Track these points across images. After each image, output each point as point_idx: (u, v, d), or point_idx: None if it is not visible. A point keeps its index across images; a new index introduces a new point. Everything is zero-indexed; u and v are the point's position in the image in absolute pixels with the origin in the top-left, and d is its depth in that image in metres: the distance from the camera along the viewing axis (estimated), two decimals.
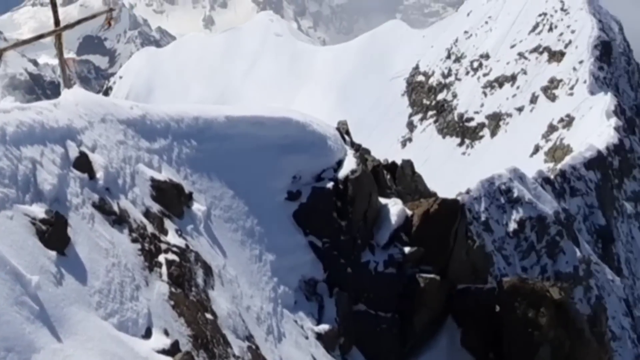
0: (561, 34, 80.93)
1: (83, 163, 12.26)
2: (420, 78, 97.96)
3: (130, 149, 14.13)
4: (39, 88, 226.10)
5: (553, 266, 46.17)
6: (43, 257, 9.73)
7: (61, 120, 12.79)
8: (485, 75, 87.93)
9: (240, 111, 17.19)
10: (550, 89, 77.71)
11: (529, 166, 57.84)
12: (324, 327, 14.75)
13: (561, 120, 71.25)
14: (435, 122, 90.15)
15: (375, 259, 15.86)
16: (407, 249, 15.92)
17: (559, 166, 57.45)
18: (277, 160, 16.31)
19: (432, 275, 15.84)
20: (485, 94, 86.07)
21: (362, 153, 17.56)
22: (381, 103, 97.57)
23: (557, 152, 66.07)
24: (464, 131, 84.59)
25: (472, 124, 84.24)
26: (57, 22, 16.68)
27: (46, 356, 8.27)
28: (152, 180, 13.73)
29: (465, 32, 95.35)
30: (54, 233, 10.22)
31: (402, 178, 20.48)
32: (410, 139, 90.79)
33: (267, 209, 15.72)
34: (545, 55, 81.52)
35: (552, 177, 55.16)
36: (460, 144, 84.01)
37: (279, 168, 16.28)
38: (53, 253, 9.94)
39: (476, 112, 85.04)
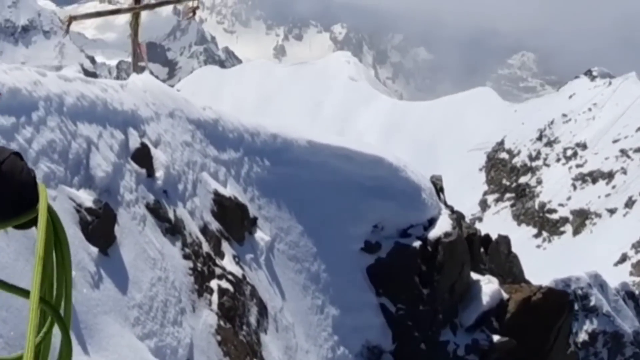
0: None
1: (143, 156, 11.59)
2: (504, 155, 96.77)
3: (196, 154, 13.47)
4: None
5: None
6: (83, 252, 8.88)
7: (126, 104, 12.19)
8: (578, 166, 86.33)
9: (324, 139, 16.41)
10: None
11: (612, 275, 55.96)
12: None
13: None
14: (512, 206, 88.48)
15: (457, 340, 14.70)
16: (496, 337, 14.73)
17: None
18: (360, 202, 15.41)
19: None
20: (574, 186, 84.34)
21: (458, 216, 16.48)
22: (457, 174, 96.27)
23: None
24: (543, 222, 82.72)
25: (554, 216, 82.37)
26: None
27: None
28: (216, 193, 13.00)
29: (564, 115, 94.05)
30: (99, 227, 9.40)
31: (496, 255, 19.25)
32: (480, 219, 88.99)
33: (339, 255, 14.80)
34: None
35: (637, 292, 53.36)
36: (537, 236, 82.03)
37: (360, 212, 15.38)
38: (95, 250, 9.11)
39: (561, 205, 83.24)
